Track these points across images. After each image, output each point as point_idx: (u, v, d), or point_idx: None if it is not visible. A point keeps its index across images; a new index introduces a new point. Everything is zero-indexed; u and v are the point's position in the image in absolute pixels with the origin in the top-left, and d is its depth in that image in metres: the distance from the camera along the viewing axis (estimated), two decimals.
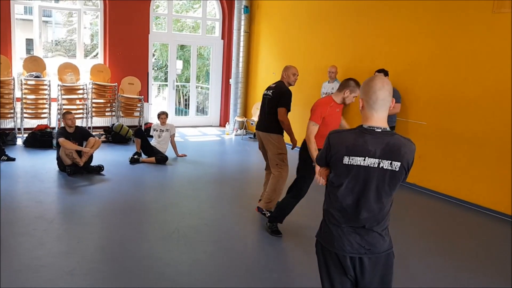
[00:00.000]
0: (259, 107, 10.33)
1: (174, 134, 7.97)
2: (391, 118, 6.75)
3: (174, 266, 3.88)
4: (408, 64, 6.77)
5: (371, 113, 2.13)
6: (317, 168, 2.41)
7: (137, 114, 9.76)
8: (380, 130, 2.11)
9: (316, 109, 4.23)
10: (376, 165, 2.09)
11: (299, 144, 4.67)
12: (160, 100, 14.71)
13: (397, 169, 2.10)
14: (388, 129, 2.14)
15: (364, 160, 2.09)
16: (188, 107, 12.46)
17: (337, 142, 2.16)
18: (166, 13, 10.75)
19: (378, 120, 2.13)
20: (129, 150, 8.09)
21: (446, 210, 5.84)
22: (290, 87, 5.14)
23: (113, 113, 9.53)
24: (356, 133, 2.14)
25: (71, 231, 4.51)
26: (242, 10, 10.35)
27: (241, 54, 10.53)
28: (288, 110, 4.96)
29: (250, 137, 10.20)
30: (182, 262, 3.97)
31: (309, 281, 3.65)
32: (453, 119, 6.15)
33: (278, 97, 4.94)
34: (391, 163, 2.09)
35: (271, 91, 5.07)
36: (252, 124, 10.39)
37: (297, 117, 9.18)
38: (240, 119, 10.49)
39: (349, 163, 2.11)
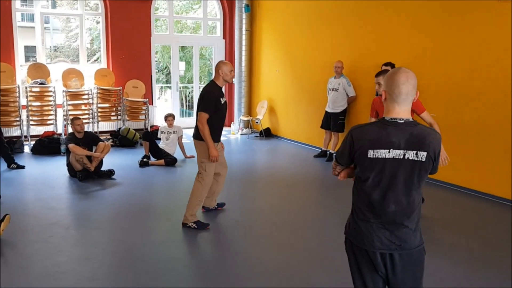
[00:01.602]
0: (264, 106, 10.31)
1: (181, 135, 7.96)
2: None
3: (193, 267, 3.88)
4: (415, 56, 6.75)
5: (393, 106, 2.10)
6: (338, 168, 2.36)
7: (142, 117, 9.75)
8: (402, 121, 2.08)
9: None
10: (401, 157, 2.06)
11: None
12: (162, 102, 14.72)
13: (424, 160, 2.07)
14: (411, 119, 2.10)
15: (389, 152, 2.06)
16: (192, 108, 12.46)
17: (360, 137, 2.12)
18: (167, 15, 10.72)
19: (401, 112, 2.10)
20: (137, 154, 8.08)
21: (459, 200, 5.83)
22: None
23: (119, 117, 9.52)
24: (378, 125, 2.11)
25: (88, 237, 4.50)
26: (243, 9, 10.33)
27: (243, 53, 10.52)
28: (209, 114, 4.45)
29: (256, 136, 10.19)
30: (201, 263, 3.96)
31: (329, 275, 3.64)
32: (461, 110, 6.13)
33: (200, 100, 4.56)
34: (416, 154, 2.06)
35: (200, 93, 4.68)
36: (257, 122, 10.38)
37: (303, 114, 9.21)
38: (245, 118, 10.48)
39: (374, 156, 2.08)
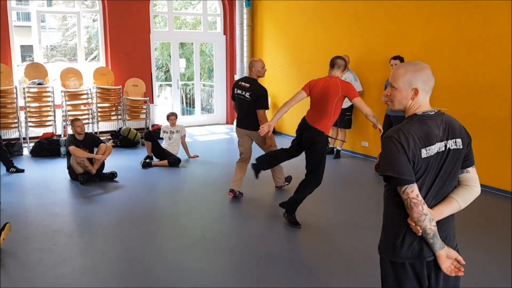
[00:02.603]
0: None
1: (184, 135, 7.75)
2: None
3: (205, 275, 3.68)
4: (425, 49, 6.54)
5: (425, 99, 2.02)
6: (409, 190, 1.91)
7: (143, 116, 9.53)
8: (433, 113, 2.01)
9: (351, 87, 4.62)
10: (443, 148, 1.97)
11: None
12: (162, 101, 14.49)
13: (461, 147, 2.02)
14: (434, 109, 2.03)
15: (435, 146, 1.96)
16: (192, 106, 12.25)
17: (408, 139, 1.92)
18: (166, 11, 10.49)
19: (428, 105, 2.04)
20: (139, 154, 7.88)
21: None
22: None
23: (119, 117, 9.31)
24: (417, 122, 1.97)
25: (93, 244, 4.31)
26: (244, 3, 10.09)
27: (245, 49, 10.29)
28: (267, 109, 5.44)
29: None
30: (214, 271, 3.78)
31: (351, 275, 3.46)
32: (474, 104, 5.94)
33: (256, 99, 5.29)
34: (455, 142, 2.00)
35: (248, 93, 5.33)
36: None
37: (307, 109, 8.98)
38: None
39: (427, 155, 1.94)
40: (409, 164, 1.91)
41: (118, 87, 9.25)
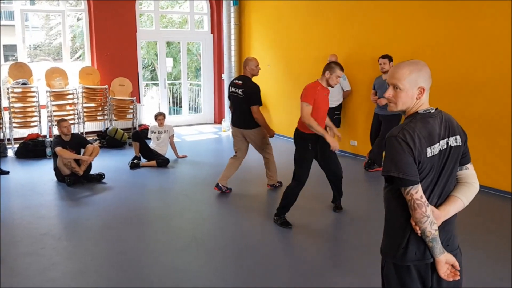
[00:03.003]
0: None
1: (173, 135, 7.67)
2: None
3: (201, 277, 3.63)
4: (414, 48, 6.55)
5: (427, 97, 2.00)
6: (413, 191, 1.88)
7: (130, 116, 9.42)
8: (434, 111, 1.98)
9: (307, 91, 4.56)
10: (445, 146, 1.95)
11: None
12: (148, 100, 14.35)
13: (460, 143, 2.01)
14: (433, 107, 2.01)
15: (439, 144, 1.94)
16: (179, 106, 12.16)
17: (413, 138, 1.89)
18: (153, 10, 10.38)
19: (427, 102, 2.02)
20: (127, 155, 7.78)
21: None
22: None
23: (105, 117, 9.19)
24: (420, 120, 1.94)
25: (82, 247, 4.22)
26: (231, 2, 10.04)
27: (232, 48, 10.23)
28: (260, 105, 5.47)
29: None
30: (208, 272, 3.73)
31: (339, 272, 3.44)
32: (464, 103, 5.96)
33: (249, 96, 5.37)
34: (455, 139, 1.99)
35: (240, 89, 5.42)
36: None
37: (298, 110, 8.95)
38: None
39: (432, 154, 1.91)
40: (414, 165, 1.87)
41: (104, 86, 9.12)
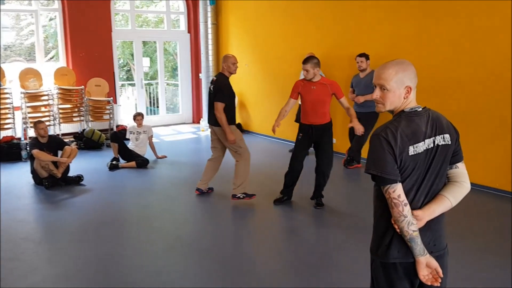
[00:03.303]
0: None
1: (152, 135, 7.62)
2: (373, 103, 6.67)
3: (186, 278, 3.63)
4: (390, 46, 6.68)
5: (413, 96, 2.00)
6: (391, 190, 1.89)
7: (106, 117, 9.31)
8: (421, 109, 1.98)
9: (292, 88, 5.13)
10: (432, 145, 1.94)
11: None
12: (124, 100, 14.18)
13: (450, 142, 1.99)
14: (421, 106, 2.01)
15: (424, 143, 1.92)
16: (156, 106, 12.05)
17: (395, 137, 1.89)
18: (128, 9, 10.26)
19: (415, 101, 2.01)
20: (105, 156, 7.69)
21: None
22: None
23: (82, 118, 9.06)
24: (404, 119, 1.94)
25: (64, 251, 4.15)
26: (208, 1, 10.01)
27: (210, 47, 10.20)
28: (225, 104, 5.15)
29: None
30: (194, 273, 3.72)
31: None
32: (440, 100, 6.10)
33: (216, 92, 5.20)
34: (443, 137, 1.97)
35: (212, 85, 5.33)
36: None
37: (276, 108, 8.93)
38: None
39: (415, 152, 1.90)
40: (394, 163, 1.87)
41: (80, 87, 8.99)
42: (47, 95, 8.58)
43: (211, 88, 5.33)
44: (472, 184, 5.26)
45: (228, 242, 4.37)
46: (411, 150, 1.90)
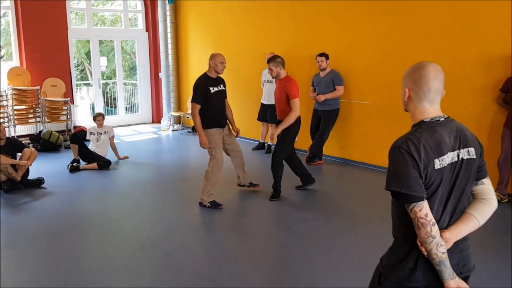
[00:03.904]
0: None
1: (113, 136, 7.50)
2: (335, 101, 6.89)
3: (157, 278, 3.65)
4: (348, 45, 6.90)
5: (423, 105, 1.82)
6: (417, 209, 1.74)
7: (64, 118, 9.07)
8: (443, 119, 1.82)
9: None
10: (456, 159, 1.78)
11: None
12: (79, 101, 13.84)
13: (474, 156, 1.83)
14: (446, 115, 1.85)
15: (448, 156, 1.76)
16: (114, 106, 11.85)
17: (419, 149, 1.73)
18: (84, 8, 10.03)
19: (436, 111, 1.83)
20: (64, 158, 7.52)
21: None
22: (221, 75, 5.28)
23: (38, 119, 8.79)
24: (426, 129, 1.78)
25: (30, 256, 4.07)
26: (167, 0, 9.94)
27: (169, 46, 10.14)
28: (199, 104, 4.97)
29: (189, 132, 9.91)
30: (165, 273, 3.74)
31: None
32: (396, 97, 6.37)
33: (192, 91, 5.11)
34: (468, 151, 1.81)
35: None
36: (188, 118, 10.09)
37: (238, 107, 9.09)
38: (176, 114, 10.15)
39: (441, 166, 1.74)
40: (419, 179, 1.72)
41: (36, 87, 8.72)
42: (1, 96, 8.26)
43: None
44: None
45: (197, 242, 4.41)
46: (437, 164, 1.74)
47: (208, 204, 5.19)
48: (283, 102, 5.26)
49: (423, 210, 1.72)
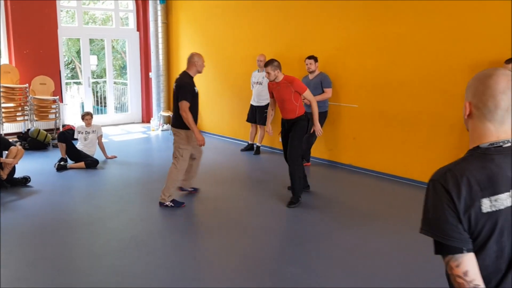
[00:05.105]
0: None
1: (101, 135, 7.48)
2: (323, 103, 6.92)
3: (143, 277, 3.65)
4: (337, 49, 6.95)
5: (486, 126, 1.40)
6: (453, 263, 1.34)
7: (52, 116, 9.04)
8: (509, 144, 1.39)
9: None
10: None
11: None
12: (69, 99, 13.77)
13: None
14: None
15: (509, 195, 1.34)
16: (103, 105, 11.82)
17: (460, 184, 1.33)
18: (75, 6, 10.00)
19: (502, 134, 1.39)
20: (51, 157, 7.49)
21: (383, 186, 6.13)
22: (201, 75, 5.43)
23: (26, 117, 8.74)
24: (478, 158, 1.38)
25: (15, 254, 4.05)
26: (158, 0, 9.94)
27: (160, 46, 10.14)
28: (189, 102, 4.97)
29: None
30: (151, 272, 3.75)
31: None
32: (384, 100, 6.43)
33: (178, 89, 5.06)
34: None
35: (175, 84, 5.19)
36: None
37: (228, 108, 9.14)
38: (166, 114, 10.14)
39: (493, 208, 1.32)
40: (457, 223, 1.32)
41: (24, 85, 8.68)
42: None
43: (174, 87, 5.18)
44: (414, 181, 5.57)
45: (184, 241, 4.42)
46: (486, 205, 1.32)
47: (171, 203, 5.22)
48: (291, 101, 5.25)
49: (462, 266, 1.31)
